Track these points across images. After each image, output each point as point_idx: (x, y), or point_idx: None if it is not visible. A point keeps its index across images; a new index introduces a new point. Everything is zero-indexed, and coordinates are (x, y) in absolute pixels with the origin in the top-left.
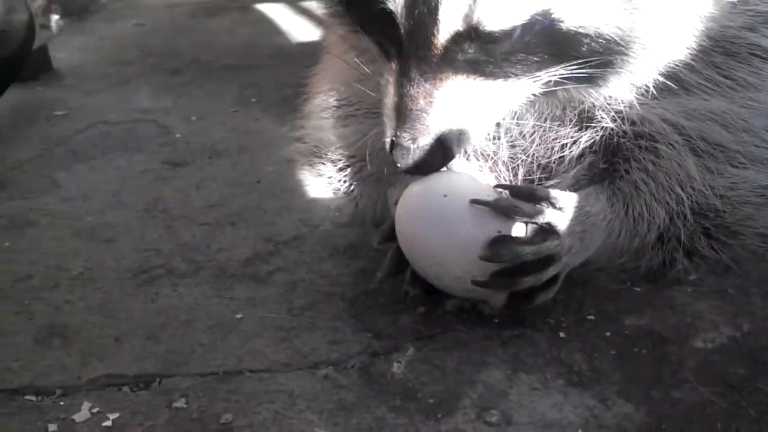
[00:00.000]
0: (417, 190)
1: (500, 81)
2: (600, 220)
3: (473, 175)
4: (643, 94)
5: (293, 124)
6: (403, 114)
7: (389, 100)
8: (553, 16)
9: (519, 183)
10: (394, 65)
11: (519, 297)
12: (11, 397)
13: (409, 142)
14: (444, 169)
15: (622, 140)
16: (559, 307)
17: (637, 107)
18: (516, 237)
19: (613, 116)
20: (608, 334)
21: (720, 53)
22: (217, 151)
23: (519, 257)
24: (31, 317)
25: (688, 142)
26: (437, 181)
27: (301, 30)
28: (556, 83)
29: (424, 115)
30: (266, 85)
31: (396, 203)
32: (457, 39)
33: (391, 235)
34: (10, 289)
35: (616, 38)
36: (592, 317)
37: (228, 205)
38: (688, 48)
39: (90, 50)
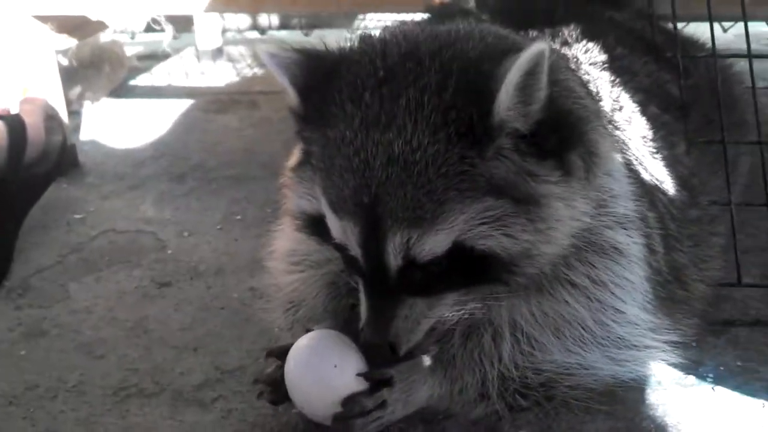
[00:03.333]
0: (305, 344)
1: (439, 297)
2: (422, 384)
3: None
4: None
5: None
6: (372, 319)
7: (363, 306)
8: (465, 244)
9: None
10: (361, 282)
11: None
12: None
13: (375, 338)
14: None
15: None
16: None
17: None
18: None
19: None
20: None
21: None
22: (198, 272)
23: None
24: (34, 424)
25: (512, 335)
26: (325, 346)
27: None
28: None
29: (384, 322)
30: (254, 200)
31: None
32: (402, 270)
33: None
34: (21, 396)
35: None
36: None
37: (196, 329)
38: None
39: (112, 144)
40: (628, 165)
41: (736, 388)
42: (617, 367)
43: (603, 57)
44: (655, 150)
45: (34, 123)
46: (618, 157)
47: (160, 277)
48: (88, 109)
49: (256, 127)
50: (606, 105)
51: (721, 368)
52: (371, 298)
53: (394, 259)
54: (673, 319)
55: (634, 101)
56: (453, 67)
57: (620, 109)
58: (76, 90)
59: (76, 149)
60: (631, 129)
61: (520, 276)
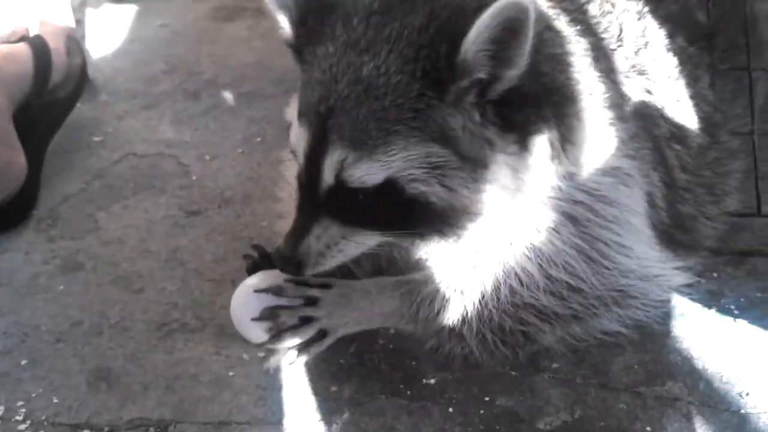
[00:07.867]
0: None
1: (357, 230)
2: (376, 295)
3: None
4: None
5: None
6: (291, 234)
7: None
8: (397, 183)
9: None
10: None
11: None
12: (74, 431)
13: (286, 251)
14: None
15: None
16: (456, 385)
17: None
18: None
19: None
20: (482, 411)
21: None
22: (226, 199)
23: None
24: (84, 361)
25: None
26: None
27: None
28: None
29: (299, 236)
30: (272, 120)
31: None
32: (331, 191)
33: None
34: (68, 333)
35: (451, 211)
36: (476, 395)
37: (231, 261)
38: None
39: (120, 56)
40: (647, 115)
41: (757, 319)
42: (618, 310)
43: None
44: (679, 92)
45: (57, 47)
46: (608, 139)
47: (188, 205)
48: (91, 16)
49: (265, 38)
50: (629, 46)
51: (742, 299)
52: (299, 211)
53: (327, 175)
54: (676, 255)
55: (660, 34)
56: (441, 13)
57: (646, 45)
58: None
59: (87, 68)
60: (656, 69)
61: (458, 229)
